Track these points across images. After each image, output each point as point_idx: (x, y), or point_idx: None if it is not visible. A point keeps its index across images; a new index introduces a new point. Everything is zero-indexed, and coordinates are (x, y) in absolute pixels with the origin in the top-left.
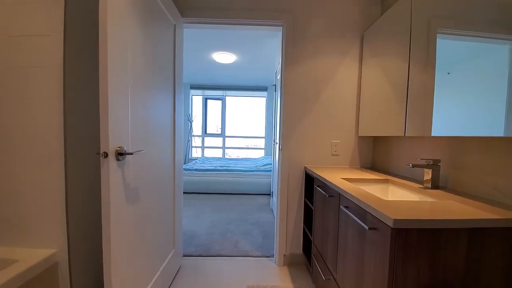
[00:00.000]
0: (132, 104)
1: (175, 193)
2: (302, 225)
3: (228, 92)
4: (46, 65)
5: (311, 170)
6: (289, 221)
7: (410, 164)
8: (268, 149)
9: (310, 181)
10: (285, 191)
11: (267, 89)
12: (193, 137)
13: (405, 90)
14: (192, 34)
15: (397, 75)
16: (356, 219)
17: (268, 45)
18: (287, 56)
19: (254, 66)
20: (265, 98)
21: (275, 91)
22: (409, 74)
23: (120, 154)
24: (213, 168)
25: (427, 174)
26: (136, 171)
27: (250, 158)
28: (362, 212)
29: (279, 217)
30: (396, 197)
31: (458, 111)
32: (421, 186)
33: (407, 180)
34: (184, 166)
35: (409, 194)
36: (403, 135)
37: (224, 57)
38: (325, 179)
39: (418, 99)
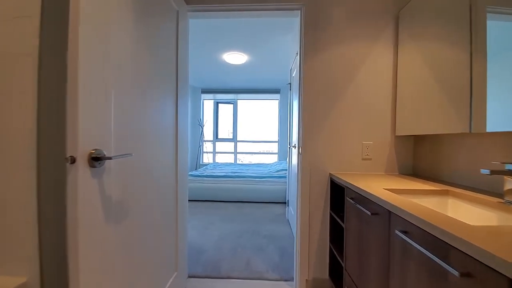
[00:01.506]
0: (118, 101)
1: (178, 204)
2: (328, 243)
3: (240, 96)
4: (18, 53)
5: (339, 178)
6: (312, 239)
7: (486, 171)
8: (281, 154)
9: (337, 191)
10: (307, 203)
11: (280, 91)
12: (204, 143)
13: (468, 76)
14: (202, 35)
15: (453, 58)
16: (430, 255)
17: (281, 42)
18: (307, 43)
19: (267, 66)
20: (277, 101)
21: (290, 90)
22: (472, 54)
23: (95, 159)
24: (224, 174)
25: (510, 184)
26: (123, 180)
27: (263, 164)
28: (439, 244)
29: (300, 233)
30: (462, 215)
31: None
32: (500, 200)
33: (473, 191)
34: (193, 173)
35: (483, 211)
36: (468, 131)
37: (235, 58)
38: (362, 190)
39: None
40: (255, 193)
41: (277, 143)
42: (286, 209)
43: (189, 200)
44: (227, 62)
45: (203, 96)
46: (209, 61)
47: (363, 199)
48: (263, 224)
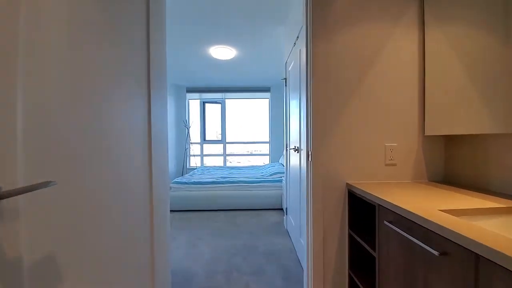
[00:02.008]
0: (33, 100)
1: (153, 224)
2: (346, 271)
3: (228, 95)
4: None
5: (364, 192)
6: (327, 263)
7: None
8: (274, 155)
9: (357, 204)
10: (320, 219)
11: (270, 89)
12: (190, 145)
13: None
14: (186, 28)
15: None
16: None
17: (272, 35)
18: (316, 23)
19: (257, 62)
20: (268, 100)
21: (286, 85)
22: None
23: None
24: (213, 180)
25: None
26: (53, 221)
27: (254, 166)
28: None
29: (313, 257)
30: None
31: None
32: None
33: None
34: (179, 179)
35: None
36: None
37: (223, 52)
38: (414, 215)
39: None
40: (248, 200)
41: (268, 144)
42: (285, 218)
43: (175, 211)
44: (214, 58)
45: (189, 95)
46: (195, 56)
47: (416, 228)
48: (260, 236)
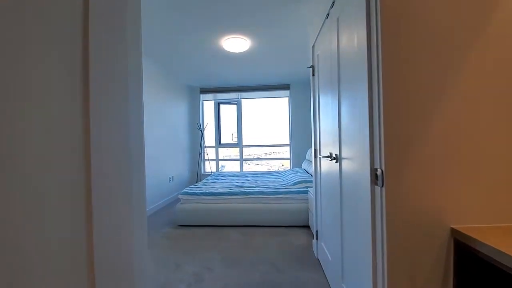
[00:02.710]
0: None
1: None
2: None
3: (244, 94)
4: None
5: (495, 250)
6: None
7: None
8: (295, 159)
9: (474, 265)
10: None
11: (289, 87)
12: (205, 149)
13: None
14: (194, 19)
15: None
16: None
17: (291, 17)
18: None
19: (274, 54)
20: (287, 98)
21: (313, 75)
22: None
23: None
24: (227, 191)
25: None
26: None
27: (274, 172)
28: None
29: None
30: None
31: None
32: None
33: None
34: (188, 190)
35: None
36: None
37: (236, 44)
38: None
39: None
40: (268, 215)
41: (288, 147)
42: (314, 242)
43: (183, 226)
44: (226, 51)
45: (202, 96)
46: (205, 50)
47: None
48: (283, 268)
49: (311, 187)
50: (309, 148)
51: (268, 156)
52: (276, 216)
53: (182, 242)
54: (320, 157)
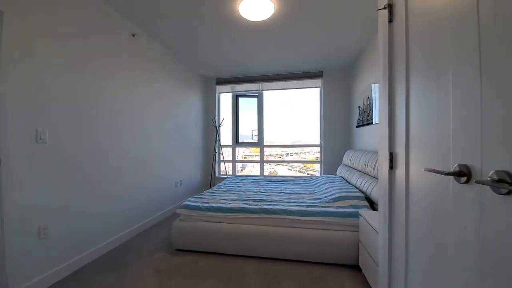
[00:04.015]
0: None
1: None
2: None
3: (266, 85)
4: None
5: None
6: None
7: None
8: (326, 162)
9: None
10: None
11: (322, 74)
12: (221, 149)
13: None
14: None
15: None
16: None
17: None
18: None
19: (305, 22)
20: (319, 89)
21: (392, 20)
22: None
23: None
24: (240, 207)
25: None
26: None
27: (301, 179)
28: None
29: None
30: None
31: None
32: None
33: None
34: (192, 202)
35: None
36: None
37: (256, 8)
38: None
39: None
40: (297, 245)
41: (319, 148)
42: None
43: (182, 250)
44: (244, 20)
45: (219, 88)
46: (219, 22)
47: None
48: None
49: (361, 206)
50: (347, 150)
51: (292, 159)
52: (310, 248)
53: (177, 280)
54: (405, 169)
